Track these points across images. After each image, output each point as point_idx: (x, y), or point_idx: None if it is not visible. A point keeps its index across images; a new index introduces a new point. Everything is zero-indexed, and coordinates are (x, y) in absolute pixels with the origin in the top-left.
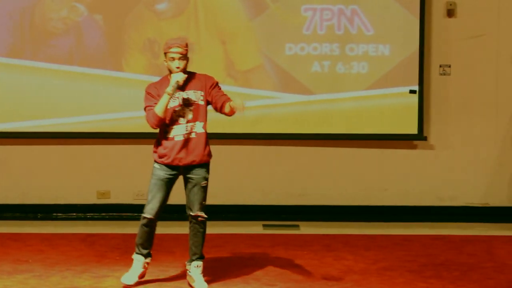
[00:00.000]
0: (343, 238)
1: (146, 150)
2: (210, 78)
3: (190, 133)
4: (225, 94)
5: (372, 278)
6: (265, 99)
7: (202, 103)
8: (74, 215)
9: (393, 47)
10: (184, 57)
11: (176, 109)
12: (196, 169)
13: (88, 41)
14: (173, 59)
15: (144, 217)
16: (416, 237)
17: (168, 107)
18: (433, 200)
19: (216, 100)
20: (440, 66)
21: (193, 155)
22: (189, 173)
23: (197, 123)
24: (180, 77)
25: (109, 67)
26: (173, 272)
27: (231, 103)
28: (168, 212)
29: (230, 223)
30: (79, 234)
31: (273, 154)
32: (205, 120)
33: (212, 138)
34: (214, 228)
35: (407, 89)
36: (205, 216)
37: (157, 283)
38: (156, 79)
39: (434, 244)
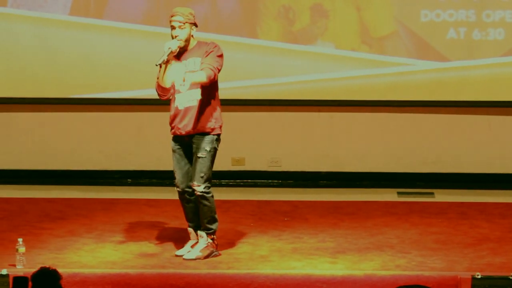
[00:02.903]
0: (479, 206)
1: (282, 117)
2: (211, 45)
3: (190, 100)
4: (207, 60)
5: (508, 246)
6: (399, 66)
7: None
8: None
9: None
10: (185, 25)
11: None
12: (198, 138)
13: (223, 8)
14: (173, 27)
15: (177, 190)
16: None
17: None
18: None
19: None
20: None
21: (193, 123)
22: (192, 142)
23: (197, 90)
24: (173, 44)
25: (244, 34)
26: (307, 238)
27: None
28: (302, 179)
29: (364, 191)
30: (214, 201)
31: (408, 121)
32: (206, 88)
33: (346, 105)
34: (348, 196)
35: None
36: (201, 189)
37: (292, 248)
38: (291, 46)
39: None
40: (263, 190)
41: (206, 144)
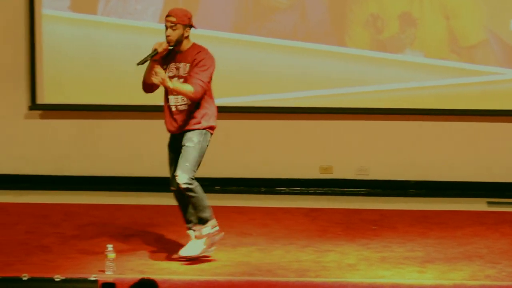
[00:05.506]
0: None
1: (370, 125)
2: (200, 54)
3: (181, 104)
4: (197, 75)
5: None
6: (489, 75)
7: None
8: (297, 190)
9: None
10: (176, 26)
11: (171, 79)
12: (186, 134)
13: (311, 16)
14: (166, 27)
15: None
16: None
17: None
18: None
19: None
20: None
21: (182, 125)
22: (181, 140)
23: None
24: (159, 45)
25: (332, 42)
26: (395, 247)
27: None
28: (390, 188)
29: (453, 200)
30: (302, 209)
31: (498, 129)
32: None
33: (434, 114)
34: (436, 205)
35: None
36: (184, 181)
37: (380, 257)
38: (379, 54)
39: None
40: (351, 198)
41: (193, 135)
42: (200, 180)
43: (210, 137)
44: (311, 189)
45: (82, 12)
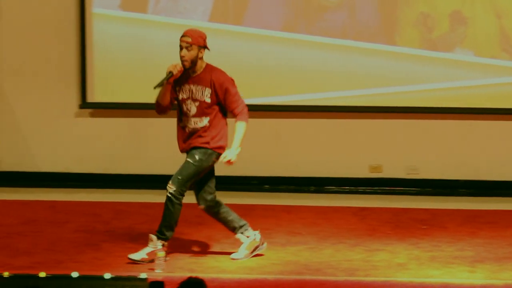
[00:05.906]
0: None
1: (420, 124)
2: (221, 79)
3: (195, 127)
4: (234, 103)
5: None
6: None
7: (208, 100)
8: (346, 189)
9: None
10: (192, 47)
11: (184, 101)
12: (192, 150)
13: (361, 15)
14: (181, 48)
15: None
16: None
17: (180, 98)
18: None
19: (227, 107)
20: None
21: (192, 143)
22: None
23: (203, 118)
24: (174, 67)
25: (382, 41)
26: (445, 247)
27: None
28: (440, 187)
29: (503, 199)
30: (351, 208)
31: None
32: (212, 114)
33: (485, 113)
34: (486, 204)
35: None
36: (172, 191)
37: (430, 256)
38: (430, 53)
39: None
40: (401, 197)
41: (197, 153)
42: (249, 179)
43: (218, 156)
44: (361, 188)
45: (132, 10)
